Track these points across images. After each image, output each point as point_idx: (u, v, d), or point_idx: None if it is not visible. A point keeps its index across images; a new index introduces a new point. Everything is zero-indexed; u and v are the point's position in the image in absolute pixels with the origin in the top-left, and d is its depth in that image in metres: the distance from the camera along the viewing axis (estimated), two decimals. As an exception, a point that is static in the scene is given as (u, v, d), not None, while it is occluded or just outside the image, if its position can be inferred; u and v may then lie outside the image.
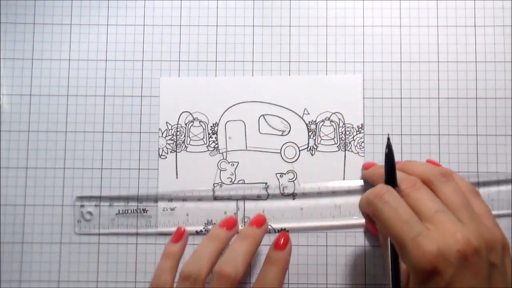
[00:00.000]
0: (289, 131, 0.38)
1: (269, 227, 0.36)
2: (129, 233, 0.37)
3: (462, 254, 0.25)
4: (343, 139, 0.37)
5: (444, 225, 0.26)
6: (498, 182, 0.37)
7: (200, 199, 0.37)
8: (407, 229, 0.26)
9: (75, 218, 0.37)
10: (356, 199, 0.33)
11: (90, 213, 0.37)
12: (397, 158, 0.31)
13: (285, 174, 0.37)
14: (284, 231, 0.36)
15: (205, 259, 0.32)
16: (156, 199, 0.37)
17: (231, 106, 0.38)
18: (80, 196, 0.37)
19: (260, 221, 0.34)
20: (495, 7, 0.38)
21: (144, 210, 0.37)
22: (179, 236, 0.35)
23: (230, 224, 0.34)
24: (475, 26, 0.38)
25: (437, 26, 0.38)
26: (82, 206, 0.37)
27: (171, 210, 0.37)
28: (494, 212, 0.36)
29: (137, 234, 0.37)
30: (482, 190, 0.36)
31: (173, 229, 0.36)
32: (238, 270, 0.31)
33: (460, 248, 0.25)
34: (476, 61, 0.38)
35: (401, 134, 0.37)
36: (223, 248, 0.33)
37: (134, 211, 0.37)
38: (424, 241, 0.25)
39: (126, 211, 0.37)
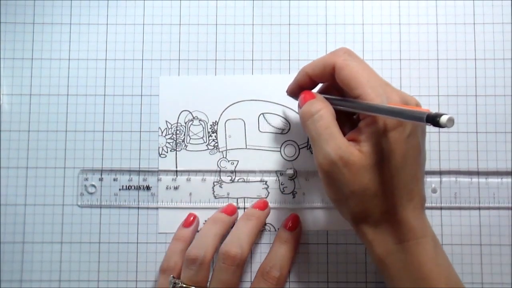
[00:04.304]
0: (289, 129, 0.38)
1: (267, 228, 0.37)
2: (131, 206, 0.37)
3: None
4: (343, 137, 0.37)
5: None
6: (498, 173, 0.37)
7: (204, 180, 0.37)
8: None
9: (78, 191, 0.37)
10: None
11: (93, 185, 0.37)
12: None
13: (285, 172, 0.37)
14: (294, 213, 0.36)
15: (209, 242, 0.33)
16: (160, 178, 0.37)
17: (230, 105, 0.38)
18: (84, 169, 0.37)
19: (262, 205, 0.36)
20: (494, 4, 0.38)
21: (147, 187, 0.37)
22: (191, 221, 0.36)
23: (230, 211, 0.36)
24: (474, 23, 0.38)
25: (437, 23, 0.38)
26: (86, 179, 0.37)
27: (174, 188, 0.37)
28: (494, 205, 0.36)
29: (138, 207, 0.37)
30: (482, 181, 0.36)
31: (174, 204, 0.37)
32: (243, 250, 0.33)
33: None
34: (475, 59, 0.38)
35: (401, 132, 0.37)
36: (225, 230, 0.35)
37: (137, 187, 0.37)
38: None
39: (129, 187, 0.37)
